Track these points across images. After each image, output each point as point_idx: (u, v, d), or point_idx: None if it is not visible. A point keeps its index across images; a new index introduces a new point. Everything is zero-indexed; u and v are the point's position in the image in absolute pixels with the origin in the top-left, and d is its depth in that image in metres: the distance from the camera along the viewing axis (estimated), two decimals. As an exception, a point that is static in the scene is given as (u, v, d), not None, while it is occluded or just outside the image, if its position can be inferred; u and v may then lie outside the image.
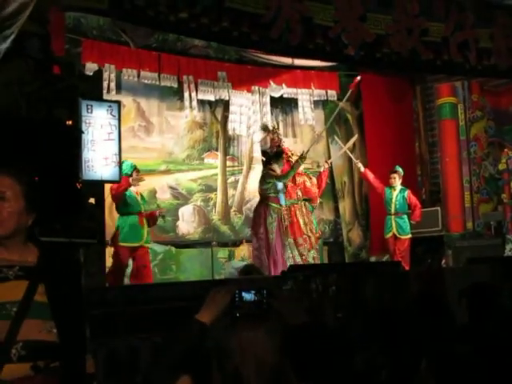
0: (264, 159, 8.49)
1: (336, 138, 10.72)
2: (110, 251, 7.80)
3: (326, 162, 9.65)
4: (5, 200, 2.17)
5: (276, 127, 9.07)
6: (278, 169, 8.26)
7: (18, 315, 2.06)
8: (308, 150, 8.81)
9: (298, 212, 8.32)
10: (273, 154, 8.41)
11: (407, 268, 8.70)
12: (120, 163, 6.73)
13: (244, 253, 10.30)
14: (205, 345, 2.04)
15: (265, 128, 8.98)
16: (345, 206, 11.48)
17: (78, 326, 2.20)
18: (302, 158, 8.46)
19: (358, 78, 9.43)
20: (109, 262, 7.64)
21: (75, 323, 2.17)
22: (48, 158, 4.97)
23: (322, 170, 9.40)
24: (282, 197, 8.17)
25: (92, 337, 2.27)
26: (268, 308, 2.13)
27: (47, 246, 2.32)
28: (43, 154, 4.94)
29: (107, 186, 7.38)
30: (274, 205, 8.09)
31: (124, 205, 7.78)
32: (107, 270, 7.55)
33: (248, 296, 2.14)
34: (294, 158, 8.59)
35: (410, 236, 9.52)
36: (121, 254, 7.67)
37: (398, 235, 9.45)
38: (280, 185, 8.17)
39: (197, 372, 1.97)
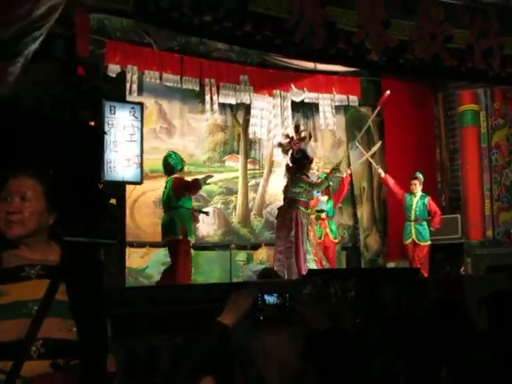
0: (293, 164, 8.38)
1: (357, 143, 10.71)
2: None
3: (349, 167, 9.62)
4: (26, 200, 2.20)
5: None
6: (312, 176, 8.32)
7: (39, 313, 2.08)
8: (340, 162, 8.85)
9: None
10: (307, 161, 8.35)
11: (426, 275, 8.66)
12: (141, 164, 6.75)
13: (262, 256, 10.29)
14: (227, 347, 2.05)
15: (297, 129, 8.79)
16: (363, 211, 11.45)
17: (99, 325, 2.21)
18: (336, 169, 8.52)
19: (388, 92, 9.38)
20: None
21: (96, 322, 2.19)
22: (71, 158, 5.02)
23: (344, 175, 9.38)
24: (322, 202, 8.21)
25: (113, 336, 2.28)
26: (291, 312, 2.13)
27: (70, 245, 2.34)
28: (66, 155, 4.98)
29: (129, 187, 7.41)
30: (303, 209, 8.08)
31: (189, 199, 7.75)
32: (170, 266, 7.49)
33: (270, 299, 2.14)
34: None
35: (429, 243, 9.49)
36: (189, 248, 7.66)
37: (417, 242, 9.42)
38: (316, 192, 8.23)
39: (219, 374, 1.98)
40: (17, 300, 2.09)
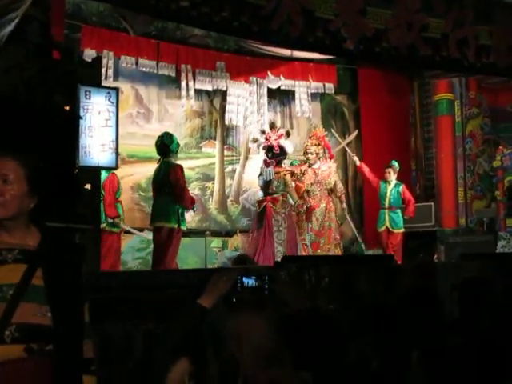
0: (271, 159, 8.44)
1: (333, 131, 10.75)
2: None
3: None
4: (8, 183, 2.18)
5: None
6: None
7: (14, 298, 2.07)
8: None
9: None
10: (284, 157, 8.53)
11: (400, 262, 8.75)
12: (116, 149, 6.69)
13: (237, 243, 10.30)
14: (206, 328, 2.06)
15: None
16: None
17: (75, 310, 2.21)
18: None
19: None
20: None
21: (72, 308, 2.18)
22: (46, 143, 4.97)
23: None
24: None
25: (91, 322, 2.28)
26: (269, 293, 2.15)
27: (50, 230, 2.32)
28: (41, 139, 4.94)
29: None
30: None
31: None
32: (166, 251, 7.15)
33: (249, 281, 2.16)
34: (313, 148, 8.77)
35: (402, 230, 9.57)
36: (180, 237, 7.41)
37: (391, 229, 9.50)
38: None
39: (195, 355, 2.00)
40: (-8, 284, 2.09)
